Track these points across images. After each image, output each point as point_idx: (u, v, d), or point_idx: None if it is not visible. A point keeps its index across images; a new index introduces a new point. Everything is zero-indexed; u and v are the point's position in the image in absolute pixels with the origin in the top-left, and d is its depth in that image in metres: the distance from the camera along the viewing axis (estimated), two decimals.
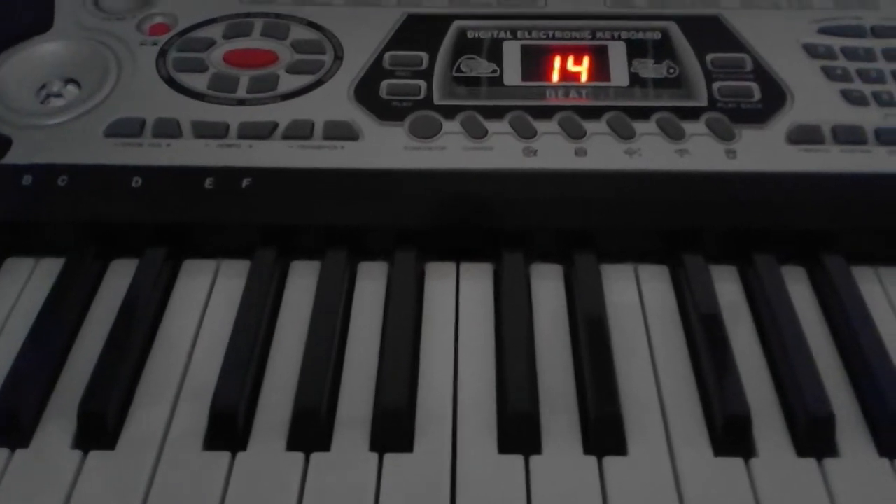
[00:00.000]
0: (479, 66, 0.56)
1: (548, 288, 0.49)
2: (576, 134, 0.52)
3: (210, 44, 0.57)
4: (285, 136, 0.52)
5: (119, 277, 0.49)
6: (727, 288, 0.49)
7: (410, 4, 0.60)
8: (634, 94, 0.55)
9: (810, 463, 0.40)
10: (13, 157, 0.51)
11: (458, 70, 0.56)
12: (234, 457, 0.40)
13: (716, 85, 0.55)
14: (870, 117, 0.53)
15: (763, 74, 0.55)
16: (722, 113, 0.53)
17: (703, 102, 0.54)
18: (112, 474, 0.40)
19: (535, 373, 0.44)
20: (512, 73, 0.56)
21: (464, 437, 0.41)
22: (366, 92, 0.55)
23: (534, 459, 0.40)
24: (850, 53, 0.57)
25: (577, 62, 0.57)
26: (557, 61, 0.57)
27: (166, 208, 0.50)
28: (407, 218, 0.50)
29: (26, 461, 0.40)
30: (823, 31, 0.58)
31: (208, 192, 0.50)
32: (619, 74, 0.56)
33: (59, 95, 0.56)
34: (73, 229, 0.50)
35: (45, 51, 0.57)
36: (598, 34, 0.58)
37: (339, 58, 0.57)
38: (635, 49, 0.57)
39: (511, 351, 0.44)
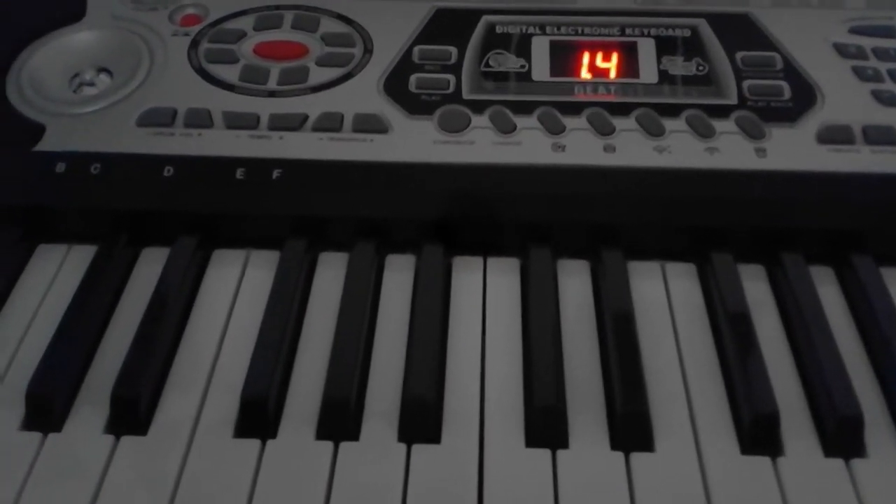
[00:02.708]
0: (508, 61, 0.56)
1: (575, 284, 0.49)
2: (605, 130, 0.53)
3: (241, 35, 0.58)
4: (315, 129, 0.53)
5: (150, 265, 0.49)
6: (755, 287, 0.48)
7: None
8: (664, 91, 0.55)
9: (838, 463, 0.40)
10: (46, 144, 0.52)
11: (487, 65, 0.56)
12: (263, 445, 0.41)
13: (746, 83, 0.55)
14: None
15: (793, 73, 0.55)
16: (752, 111, 0.53)
17: (733, 100, 0.54)
18: (143, 459, 0.40)
19: (562, 367, 0.44)
20: (541, 69, 0.56)
21: (491, 430, 0.42)
22: (395, 85, 0.55)
23: (561, 454, 0.41)
24: (881, 54, 0.57)
25: (606, 58, 0.57)
26: (586, 57, 0.57)
27: (197, 198, 0.50)
28: (435, 211, 0.50)
29: (59, 445, 0.41)
30: (854, 30, 0.58)
31: (239, 182, 0.50)
32: (649, 71, 0.56)
33: (91, 84, 0.56)
34: (105, 217, 0.50)
35: (77, 40, 0.58)
36: (628, 31, 0.58)
37: (368, 51, 0.57)
38: (665, 46, 0.57)
39: (538, 345, 0.44)
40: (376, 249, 0.50)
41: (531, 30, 0.58)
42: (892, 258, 0.49)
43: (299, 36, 0.58)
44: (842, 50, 0.57)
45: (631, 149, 0.52)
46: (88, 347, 0.45)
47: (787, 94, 0.54)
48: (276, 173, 0.50)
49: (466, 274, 0.49)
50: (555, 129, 0.53)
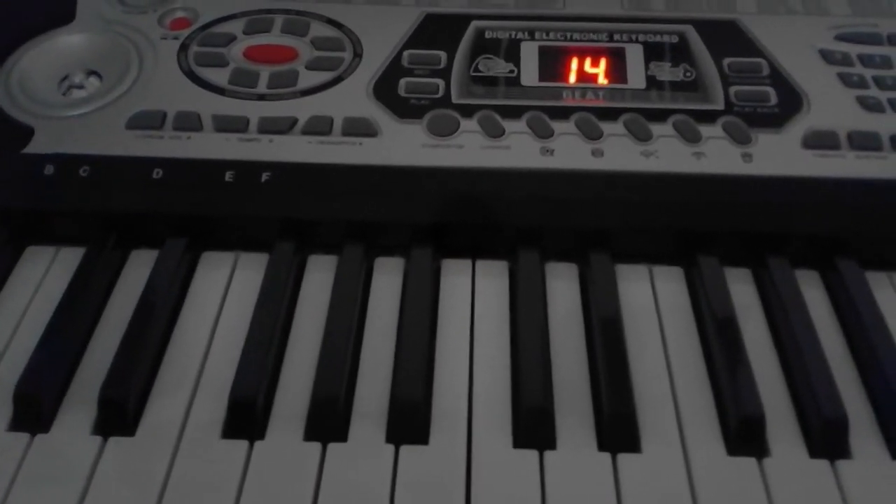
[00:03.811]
0: (497, 66, 0.57)
1: (563, 287, 0.49)
2: (593, 135, 0.53)
3: (231, 39, 0.58)
4: (305, 132, 0.53)
5: (139, 268, 0.49)
6: (741, 290, 0.49)
7: (429, 4, 0.60)
8: (651, 96, 0.55)
9: (823, 464, 0.41)
10: (35, 146, 0.52)
11: (476, 69, 0.56)
12: (251, 446, 0.41)
13: (732, 89, 0.55)
14: (886, 124, 0.53)
15: (779, 79, 0.56)
16: (738, 117, 0.54)
17: (720, 106, 0.54)
18: (131, 460, 0.40)
19: (549, 369, 0.44)
20: (529, 74, 0.56)
21: (479, 432, 0.42)
22: (384, 89, 0.55)
23: (548, 455, 0.41)
24: (866, 60, 0.57)
25: (595, 64, 0.57)
26: (575, 62, 0.57)
27: (186, 200, 0.50)
28: (424, 215, 0.50)
29: (46, 446, 0.41)
30: (840, 37, 0.59)
31: (228, 185, 0.50)
32: (636, 77, 0.56)
33: (80, 87, 0.57)
34: (93, 219, 0.50)
35: (67, 43, 0.58)
36: (616, 36, 0.58)
37: (358, 55, 0.57)
38: (652, 52, 0.57)
39: (526, 347, 0.45)
40: (365, 252, 0.50)
41: (520, 35, 0.58)
42: (877, 262, 0.50)
43: (289, 40, 0.58)
44: (828, 56, 0.57)
45: (618, 153, 0.52)
46: (77, 349, 0.45)
47: (774, 99, 0.55)
48: (265, 176, 0.51)
49: (455, 276, 0.50)
50: (543, 134, 0.53)
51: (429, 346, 0.45)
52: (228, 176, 0.51)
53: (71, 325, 0.45)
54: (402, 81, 0.55)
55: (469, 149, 0.52)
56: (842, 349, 0.46)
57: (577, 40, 0.58)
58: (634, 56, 0.57)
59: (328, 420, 0.41)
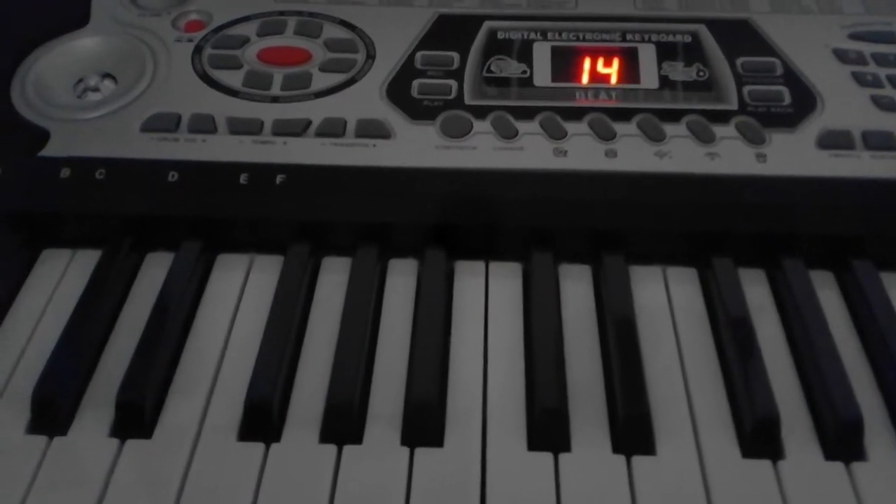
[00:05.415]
0: (510, 67, 0.57)
1: (576, 288, 0.49)
2: (606, 135, 0.53)
3: (244, 41, 0.58)
4: (318, 134, 0.53)
5: (155, 270, 0.50)
6: (755, 291, 0.49)
7: (442, 4, 0.60)
8: (664, 96, 0.55)
9: (838, 466, 0.41)
10: (51, 150, 0.52)
11: (489, 70, 0.56)
12: (267, 448, 0.41)
13: (746, 88, 0.55)
14: None
15: (793, 79, 0.55)
16: (752, 117, 0.53)
17: (734, 106, 0.54)
18: (148, 463, 0.41)
19: (563, 371, 0.44)
20: (542, 74, 0.56)
21: (493, 434, 0.42)
22: (398, 91, 0.55)
23: (563, 457, 0.41)
24: (880, 59, 0.57)
25: (607, 64, 0.57)
26: (587, 63, 0.57)
27: (202, 203, 0.50)
28: (437, 216, 0.50)
29: (64, 449, 0.41)
30: (854, 36, 0.58)
31: (243, 187, 0.50)
32: (649, 77, 0.56)
33: (95, 90, 0.57)
34: (109, 222, 0.50)
35: (82, 46, 0.58)
36: (629, 36, 0.58)
37: (371, 57, 0.57)
38: (665, 51, 0.57)
39: (540, 349, 0.45)
40: (379, 254, 0.50)
41: (533, 35, 0.58)
42: (892, 263, 0.50)
43: (302, 42, 0.58)
44: (841, 55, 0.57)
45: (632, 154, 0.52)
46: (93, 351, 0.45)
47: (788, 99, 0.54)
48: (279, 178, 0.51)
49: (469, 278, 0.50)
50: (556, 135, 0.53)
51: (443, 348, 0.45)
52: (243, 178, 0.51)
53: (87, 328, 0.46)
54: (416, 83, 0.55)
55: (482, 150, 0.52)
56: (857, 350, 0.46)
57: (589, 40, 0.58)
58: (647, 56, 0.57)
59: (343, 422, 0.42)
